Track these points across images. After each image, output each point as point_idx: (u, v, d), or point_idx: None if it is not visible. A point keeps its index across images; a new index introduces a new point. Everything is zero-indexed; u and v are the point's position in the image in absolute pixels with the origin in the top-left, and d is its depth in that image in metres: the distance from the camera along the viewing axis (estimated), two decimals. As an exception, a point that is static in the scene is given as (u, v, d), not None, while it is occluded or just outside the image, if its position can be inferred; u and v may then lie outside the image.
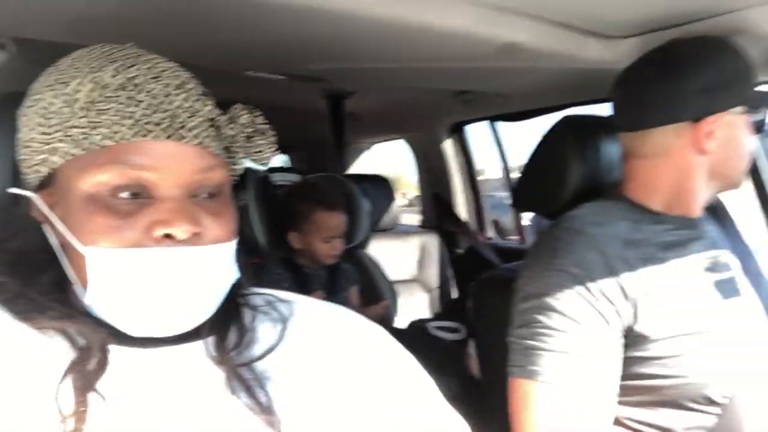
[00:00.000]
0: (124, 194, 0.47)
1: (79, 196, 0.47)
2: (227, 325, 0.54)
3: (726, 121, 0.88)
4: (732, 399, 0.80)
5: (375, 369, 0.58)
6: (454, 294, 2.41)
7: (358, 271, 1.77)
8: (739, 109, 0.89)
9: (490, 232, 2.64)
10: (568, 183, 1.03)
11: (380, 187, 2.33)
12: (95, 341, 0.48)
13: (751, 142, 0.92)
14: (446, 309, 2.18)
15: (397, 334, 1.14)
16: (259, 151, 0.55)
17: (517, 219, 2.48)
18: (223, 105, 0.57)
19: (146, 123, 0.47)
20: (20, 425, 0.43)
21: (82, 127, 0.47)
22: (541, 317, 0.82)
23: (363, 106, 2.30)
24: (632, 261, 0.83)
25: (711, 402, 0.81)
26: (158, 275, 0.46)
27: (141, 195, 0.47)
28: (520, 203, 1.20)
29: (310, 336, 0.57)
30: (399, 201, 2.38)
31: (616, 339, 0.82)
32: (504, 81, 1.62)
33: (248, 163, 0.57)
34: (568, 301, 0.81)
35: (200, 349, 0.52)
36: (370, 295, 1.76)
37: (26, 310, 0.48)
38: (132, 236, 0.46)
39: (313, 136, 3.18)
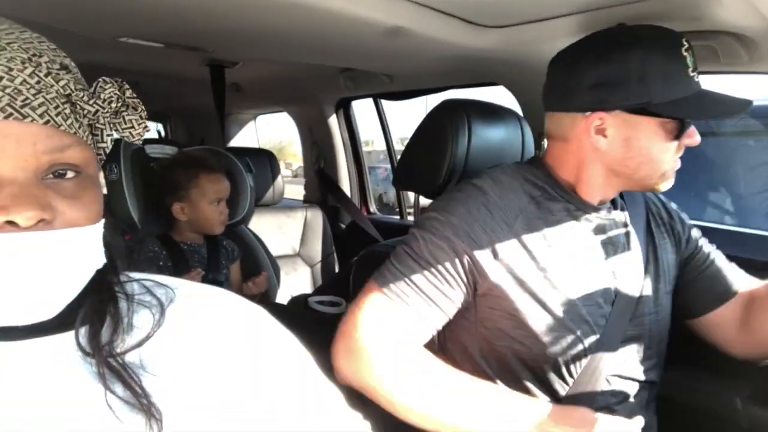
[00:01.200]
0: None
1: None
2: (101, 314, 0.52)
3: (623, 120, 0.88)
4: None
5: (254, 351, 0.57)
6: (337, 269, 2.45)
7: (239, 247, 1.74)
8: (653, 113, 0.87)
9: (374, 207, 2.71)
10: (444, 164, 1.09)
11: (263, 161, 2.29)
12: None
13: (669, 148, 0.89)
14: (328, 284, 2.21)
15: (278, 309, 1.15)
16: (130, 127, 0.53)
17: (399, 194, 2.56)
18: (98, 72, 0.54)
19: None
20: None
21: None
22: (427, 254, 0.90)
23: (246, 77, 2.24)
24: (522, 229, 0.91)
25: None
26: (2, 262, 0.43)
27: None
28: (400, 182, 1.25)
29: (190, 321, 0.56)
30: (283, 172, 2.36)
31: (465, 294, 0.91)
32: (388, 62, 1.65)
33: (116, 136, 0.54)
34: (448, 249, 0.89)
35: (71, 341, 0.50)
36: (252, 271, 1.75)
37: None
38: None
39: (193, 106, 3.04)
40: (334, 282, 2.09)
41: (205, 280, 1.55)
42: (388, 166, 2.71)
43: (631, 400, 0.95)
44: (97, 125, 0.51)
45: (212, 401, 0.52)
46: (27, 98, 0.44)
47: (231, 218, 1.69)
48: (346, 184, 2.65)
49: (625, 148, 0.89)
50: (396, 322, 0.89)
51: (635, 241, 0.99)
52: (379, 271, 0.93)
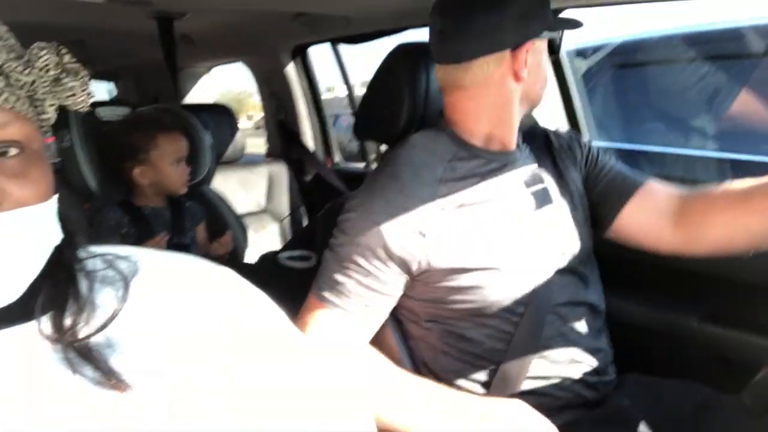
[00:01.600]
0: None
1: None
2: (62, 298, 0.50)
3: (535, 46, 0.94)
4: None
5: (224, 314, 0.56)
6: (306, 223, 2.44)
7: (203, 208, 1.72)
8: (544, 33, 0.96)
9: (338, 157, 2.68)
10: (401, 111, 1.08)
11: (221, 116, 2.23)
12: None
13: (548, 64, 1.01)
14: (297, 238, 2.21)
15: (247, 269, 1.15)
16: (72, 95, 0.49)
17: (363, 143, 2.54)
18: (39, 33, 0.50)
19: None
20: None
21: None
22: (354, 257, 0.90)
23: (196, 28, 2.14)
24: (444, 200, 0.92)
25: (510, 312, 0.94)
26: None
27: None
28: (360, 131, 1.24)
29: (155, 293, 0.54)
30: (245, 124, 2.30)
31: (404, 281, 0.92)
32: (344, 2, 1.60)
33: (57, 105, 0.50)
34: (375, 246, 0.89)
35: (34, 330, 0.48)
36: (218, 231, 1.73)
37: None
38: None
39: (143, 62, 2.91)
40: (303, 236, 2.08)
41: (170, 244, 1.53)
42: (350, 113, 2.67)
43: (582, 328, 0.99)
44: (37, 96, 0.48)
45: (184, 372, 0.51)
46: None
47: (192, 178, 1.65)
48: (308, 135, 2.61)
49: (536, 72, 0.96)
50: (338, 332, 0.90)
51: (548, 178, 1.03)
52: (316, 283, 0.94)
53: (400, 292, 0.94)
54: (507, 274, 0.92)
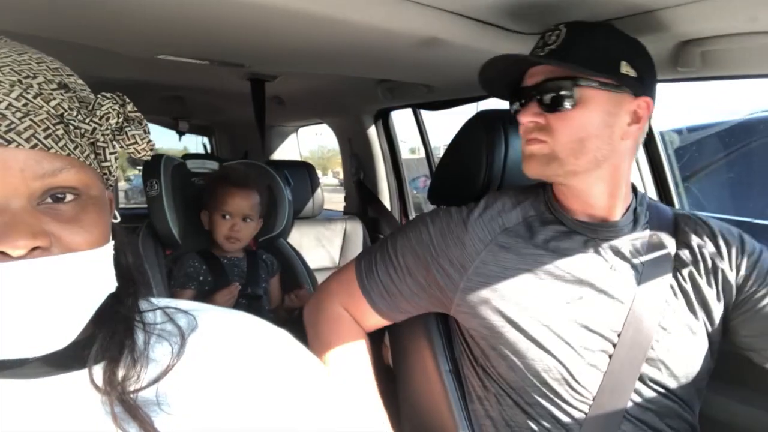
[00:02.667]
0: None
1: None
2: (117, 349, 0.50)
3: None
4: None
5: (277, 379, 0.55)
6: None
7: (278, 261, 1.75)
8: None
9: (412, 215, 2.68)
10: (478, 177, 1.06)
11: (303, 173, 2.30)
12: None
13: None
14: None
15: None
16: (133, 143, 0.50)
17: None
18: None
19: None
20: None
21: None
22: (398, 247, 0.98)
23: (286, 90, 2.26)
24: (497, 253, 0.91)
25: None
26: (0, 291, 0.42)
27: None
28: (435, 196, 1.23)
29: (211, 351, 0.54)
30: (330, 180, 2.36)
31: (439, 305, 0.97)
32: (425, 72, 1.63)
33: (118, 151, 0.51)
34: (413, 256, 0.96)
35: (84, 379, 0.48)
36: (291, 285, 1.75)
37: None
38: None
39: (236, 119, 3.09)
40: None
41: (244, 294, 1.56)
42: (428, 174, 2.68)
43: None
44: (98, 143, 0.48)
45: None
46: (12, 123, 0.42)
47: (269, 232, 1.70)
48: (386, 195, 2.64)
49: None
50: (350, 300, 1.00)
51: (659, 268, 0.90)
52: (363, 253, 1.05)
53: (413, 309, 0.99)
54: (546, 352, 0.86)
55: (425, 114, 2.39)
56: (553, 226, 0.92)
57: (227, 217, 1.56)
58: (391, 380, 1.17)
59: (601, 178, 0.88)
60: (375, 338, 1.08)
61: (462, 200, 1.13)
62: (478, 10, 1.09)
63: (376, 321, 1.02)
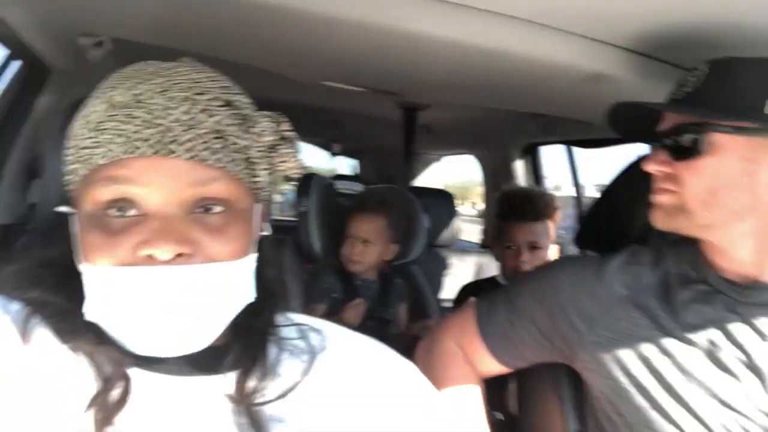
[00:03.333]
0: (114, 211, 0.46)
1: (83, 214, 0.47)
2: (249, 360, 0.52)
3: None
4: None
5: (400, 412, 0.55)
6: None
7: (408, 287, 1.75)
8: None
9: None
10: (634, 226, 0.97)
11: (442, 201, 2.30)
12: (119, 371, 0.47)
13: None
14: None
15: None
16: (283, 161, 0.52)
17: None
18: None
19: (136, 140, 0.45)
20: None
21: (89, 147, 0.48)
22: (523, 298, 0.92)
23: (436, 119, 2.28)
24: (630, 315, 0.82)
25: None
26: (141, 294, 0.45)
27: (133, 212, 0.46)
28: (582, 241, 1.15)
29: (337, 373, 0.54)
30: (468, 210, 2.33)
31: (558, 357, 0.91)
32: (585, 108, 1.55)
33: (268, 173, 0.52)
34: (536, 304, 0.90)
35: (218, 385, 0.50)
36: (419, 313, 1.74)
37: (69, 330, 0.48)
38: (123, 254, 0.45)
39: (383, 145, 3.19)
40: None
41: (372, 315, 1.58)
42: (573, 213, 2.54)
43: None
44: (252, 159, 0.50)
45: None
46: (176, 135, 0.46)
47: (404, 257, 1.70)
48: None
49: None
50: (467, 341, 0.96)
51: None
52: (484, 295, 1.00)
53: (532, 359, 0.94)
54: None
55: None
56: (696, 285, 0.81)
57: (349, 239, 1.60)
58: (514, 427, 1.10)
59: (746, 233, 0.76)
60: (499, 383, 1.03)
61: (611, 248, 1.04)
62: (650, 44, 1.02)
63: (492, 367, 0.96)
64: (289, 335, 0.57)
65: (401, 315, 1.71)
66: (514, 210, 1.63)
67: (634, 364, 0.80)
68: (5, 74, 1.47)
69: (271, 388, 0.51)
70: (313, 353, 0.55)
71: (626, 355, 0.81)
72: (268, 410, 0.50)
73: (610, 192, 1.07)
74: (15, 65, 1.46)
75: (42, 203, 0.60)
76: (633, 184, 1.01)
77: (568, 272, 0.90)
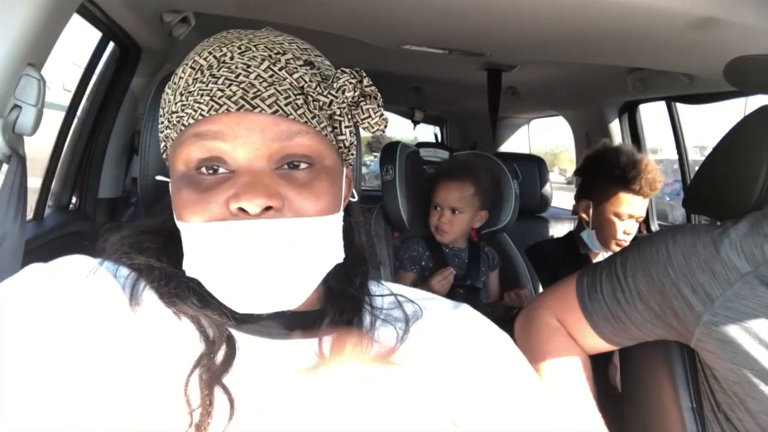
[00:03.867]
0: (205, 169, 0.47)
1: (176, 176, 0.49)
2: (345, 325, 0.52)
3: None
4: None
5: (493, 381, 0.54)
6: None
7: (499, 256, 1.70)
8: None
9: (655, 225, 2.39)
10: (756, 186, 0.87)
11: (532, 167, 2.21)
12: (223, 333, 0.48)
13: None
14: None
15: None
16: (367, 117, 0.52)
17: (689, 215, 2.21)
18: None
19: (220, 97, 0.47)
20: (149, 412, 0.44)
21: (177, 112, 0.49)
22: (628, 274, 0.86)
23: (523, 81, 2.18)
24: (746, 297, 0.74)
25: None
26: (234, 248, 0.46)
27: (222, 169, 0.47)
28: (693, 204, 1.05)
29: (432, 340, 0.54)
30: (556, 177, 2.24)
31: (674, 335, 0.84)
32: (689, 60, 1.41)
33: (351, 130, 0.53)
34: (647, 285, 0.83)
35: (314, 348, 0.51)
36: (511, 282, 1.69)
37: (174, 294, 0.50)
38: (216, 210, 0.46)
39: (467, 110, 3.11)
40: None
41: (462, 284, 1.55)
42: (679, 179, 2.36)
43: None
44: (335, 117, 0.51)
45: (441, 421, 0.50)
46: (258, 90, 0.47)
47: (493, 225, 1.65)
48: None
49: None
50: (568, 318, 0.92)
51: None
52: (586, 269, 0.94)
53: (640, 338, 0.88)
54: None
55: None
56: None
57: (437, 208, 1.57)
58: (618, 403, 1.04)
59: None
60: (601, 355, 0.97)
61: (727, 213, 0.95)
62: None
63: (597, 344, 0.91)
64: (384, 305, 0.57)
65: (492, 284, 1.68)
66: (645, 185, 1.56)
67: (761, 348, 0.72)
68: (102, 57, 1.54)
69: (369, 353, 0.51)
70: (407, 321, 0.55)
71: (752, 337, 0.73)
72: (364, 374, 0.50)
73: (724, 149, 0.96)
74: (110, 48, 1.53)
75: (143, 176, 0.63)
76: (752, 141, 0.91)
77: (679, 245, 0.81)
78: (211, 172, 0.48)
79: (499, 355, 0.57)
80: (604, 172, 1.61)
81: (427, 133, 4.13)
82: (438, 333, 0.55)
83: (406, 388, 0.51)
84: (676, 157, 2.29)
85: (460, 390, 0.52)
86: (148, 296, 0.50)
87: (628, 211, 1.59)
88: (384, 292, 0.59)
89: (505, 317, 1.56)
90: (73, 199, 1.63)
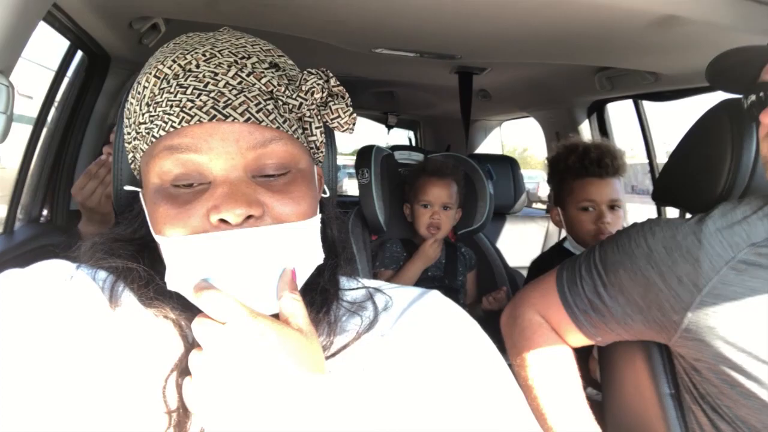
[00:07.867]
0: (182, 183, 0.47)
1: (151, 189, 0.48)
2: (315, 321, 0.51)
3: None
4: None
5: (460, 366, 0.53)
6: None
7: (476, 256, 1.72)
8: None
9: (625, 222, 2.44)
10: (720, 179, 0.90)
11: (505, 167, 2.24)
12: None
13: None
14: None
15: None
16: (336, 116, 0.52)
17: (659, 210, 2.26)
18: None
19: (191, 108, 0.46)
20: (130, 413, 0.44)
21: (146, 123, 0.48)
22: (607, 265, 0.87)
23: (493, 83, 2.21)
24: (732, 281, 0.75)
25: None
26: (219, 259, 0.45)
27: (199, 182, 0.47)
28: (661, 196, 1.08)
29: (402, 327, 0.55)
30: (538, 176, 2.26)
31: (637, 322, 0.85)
32: (654, 58, 1.45)
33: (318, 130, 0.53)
34: (629, 278, 0.83)
35: None
36: (488, 282, 1.71)
37: (154, 297, 0.49)
38: (196, 223, 0.46)
39: (440, 113, 3.13)
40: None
41: (440, 285, 1.57)
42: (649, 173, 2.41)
43: None
44: (305, 118, 0.51)
45: (414, 406, 0.50)
46: (229, 99, 0.46)
47: (469, 225, 1.67)
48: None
49: None
50: (551, 314, 0.93)
51: None
52: (564, 264, 0.95)
53: (620, 333, 0.88)
54: None
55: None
56: None
57: (427, 206, 1.59)
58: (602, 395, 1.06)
59: None
60: (581, 349, 0.99)
61: (695, 203, 0.97)
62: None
63: (579, 339, 0.92)
64: (357, 298, 0.57)
65: (470, 285, 1.69)
66: (591, 165, 1.47)
67: (751, 332, 0.74)
68: (70, 66, 1.52)
69: (337, 343, 0.52)
70: (376, 309, 0.55)
71: (742, 321, 0.75)
72: (332, 364, 0.51)
73: (690, 142, 0.99)
74: (78, 57, 1.51)
75: (117, 185, 0.62)
76: (715, 133, 0.94)
77: (658, 238, 0.82)
78: (187, 185, 0.47)
79: (465, 338, 0.56)
80: (559, 172, 1.59)
81: (401, 138, 4.15)
82: (408, 319, 0.55)
83: (371, 378, 0.51)
84: (640, 161, 2.34)
85: (426, 373, 0.52)
86: (128, 298, 0.50)
87: (591, 197, 1.48)
88: (360, 286, 0.59)
89: (486, 318, 1.58)
90: (44, 212, 1.59)
